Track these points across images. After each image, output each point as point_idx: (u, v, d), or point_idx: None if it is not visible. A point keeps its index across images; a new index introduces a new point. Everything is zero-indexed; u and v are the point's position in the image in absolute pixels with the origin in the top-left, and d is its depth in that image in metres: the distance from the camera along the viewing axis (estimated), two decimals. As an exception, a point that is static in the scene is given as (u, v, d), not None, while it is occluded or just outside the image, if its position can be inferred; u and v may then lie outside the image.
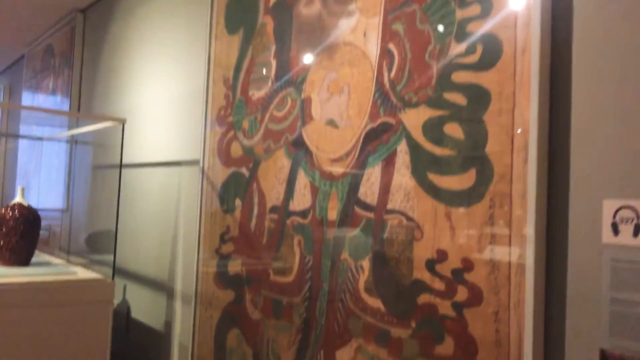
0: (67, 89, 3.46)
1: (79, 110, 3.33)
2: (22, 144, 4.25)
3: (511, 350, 1.09)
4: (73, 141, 3.26)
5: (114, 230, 2.28)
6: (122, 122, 2.07)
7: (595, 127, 1.03)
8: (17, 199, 2.05)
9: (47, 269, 2.05)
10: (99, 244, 2.84)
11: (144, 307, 2.39)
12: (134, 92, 2.69)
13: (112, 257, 2.31)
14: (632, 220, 0.99)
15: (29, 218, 2.00)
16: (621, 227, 1.00)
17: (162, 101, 2.40)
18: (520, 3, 1.12)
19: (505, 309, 1.11)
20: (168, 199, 2.28)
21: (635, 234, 0.99)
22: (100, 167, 2.94)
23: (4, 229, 1.95)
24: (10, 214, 1.96)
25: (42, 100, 3.97)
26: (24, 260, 2.01)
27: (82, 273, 2.05)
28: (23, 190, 2.08)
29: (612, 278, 1.00)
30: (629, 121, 0.98)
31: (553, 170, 1.08)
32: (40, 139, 3.62)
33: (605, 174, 1.01)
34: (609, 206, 1.01)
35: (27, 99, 4.33)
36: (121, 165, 2.09)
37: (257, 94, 1.83)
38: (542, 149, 1.08)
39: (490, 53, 1.17)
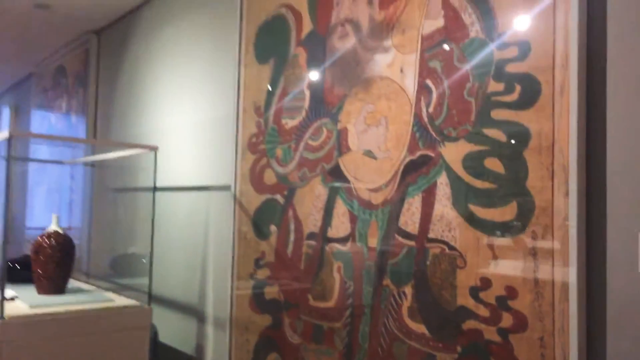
0: (82, 109, 3.51)
1: (95, 131, 3.38)
2: (31, 166, 4.28)
3: (557, 374, 1.16)
4: (90, 164, 3.30)
5: (141, 254, 2.33)
6: (155, 149, 2.12)
7: (630, 164, 1.10)
8: (52, 226, 2.09)
9: (84, 296, 2.09)
10: (124, 268, 2.88)
11: (173, 332, 2.43)
12: (157, 115, 2.74)
13: (139, 281, 2.35)
14: (672, 252, 1.07)
15: (65, 246, 2.05)
16: (660, 258, 1.08)
17: (188, 126, 2.46)
18: (558, 46, 1.20)
19: (550, 335, 1.17)
20: (196, 224, 2.33)
21: (675, 265, 1.06)
22: (122, 190, 2.98)
23: (41, 258, 1.99)
24: (48, 243, 2.01)
25: (55, 120, 4.01)
26: (60, 287, 2.06)
27: (117, 300, 2.09)
28: (57, 218, 2.12)
29: (654, 306, 1.07)
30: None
31: (591, 203, 1.16)
32: (61, 162, 3.65)
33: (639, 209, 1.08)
34: (647, 238, 1.09)
35: (37, 117, 4.36)
36: (155, 191, 2.14)
37: (290, 122, 1.89)
38: (582, 184, 1.15)
39: (529, 93, 1.24)
